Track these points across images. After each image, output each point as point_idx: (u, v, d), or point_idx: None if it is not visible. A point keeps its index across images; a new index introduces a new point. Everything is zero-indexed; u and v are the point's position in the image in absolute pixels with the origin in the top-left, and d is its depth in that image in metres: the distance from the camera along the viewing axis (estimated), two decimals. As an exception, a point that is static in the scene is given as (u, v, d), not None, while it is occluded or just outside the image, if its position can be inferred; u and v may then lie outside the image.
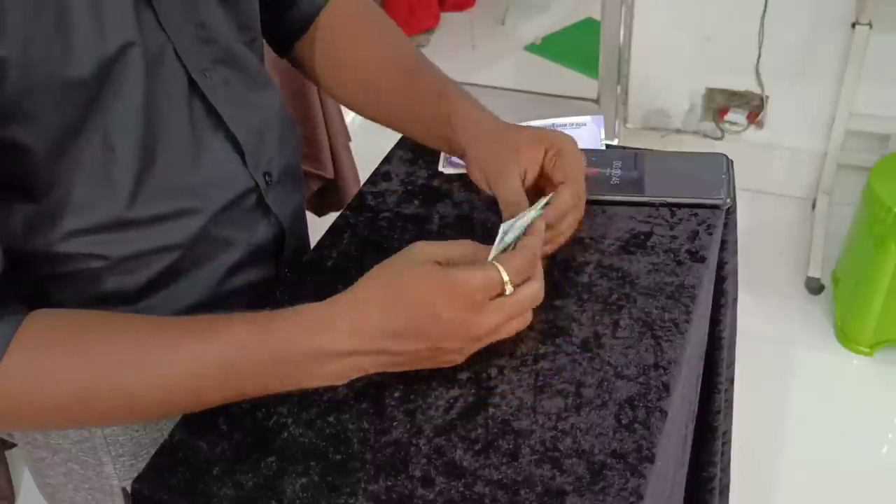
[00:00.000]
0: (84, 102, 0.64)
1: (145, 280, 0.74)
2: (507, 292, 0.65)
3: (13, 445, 1.67)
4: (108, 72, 0.64)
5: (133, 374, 0.63)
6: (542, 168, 0.77)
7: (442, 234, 0.86)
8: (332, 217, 0.91)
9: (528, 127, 0.80)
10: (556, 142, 0.77)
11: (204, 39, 0.73)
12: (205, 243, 0.76)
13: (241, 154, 0.77)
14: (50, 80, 0.61)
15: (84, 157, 0.66)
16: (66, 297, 0.72)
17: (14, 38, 0.58)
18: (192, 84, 0.72)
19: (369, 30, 0.91)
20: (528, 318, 0.69)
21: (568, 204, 0.76)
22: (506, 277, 0.65)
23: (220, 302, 0.79)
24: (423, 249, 0.67)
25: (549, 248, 0.77)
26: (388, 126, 0.90)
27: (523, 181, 0.76)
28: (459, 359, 0.68)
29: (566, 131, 0.93)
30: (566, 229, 0.77)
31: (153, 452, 0.81)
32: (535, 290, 0.67)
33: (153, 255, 0.73)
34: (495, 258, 0.66)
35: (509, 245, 0.70)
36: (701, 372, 0.96)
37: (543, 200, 0.74)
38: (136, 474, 0.81)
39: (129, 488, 0.82)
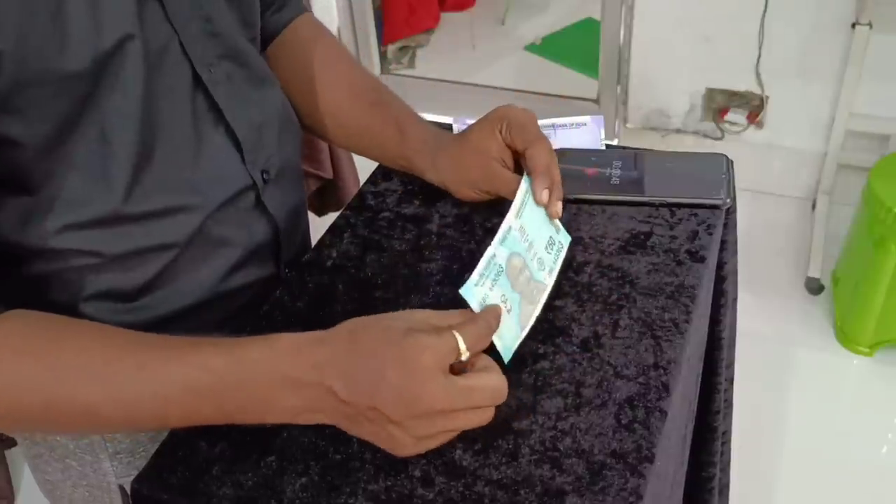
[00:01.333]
0: (80, 96, 0.64)
1: (143, 279, 0.74)
2: (463, 358, 0.61)
3: (13, 444, 1.67)
4: (106, 65, 0.64)
5: (96, 391, 0.62)
6: (508, 146, 0.80)
7: (442, 234, 0.86)
8: (332, 217, 0.90)
9: (480, 119, 0.83)
10: (500, 116, 0.80)
11: (210, 34, 0.73)
12: (202, 241, 0.76)
13: (241, 151, 0.77)
14: (45, 74, 0.61)
15: (79, 150, 0.66)
16: (65, 297, 0.72)
17: (9, 31, 0.58)
18: (196, 78, 0.72)
19: (331, 59, 0.92)
20: (488, 413, 0.63)
21: (544, 159, 0.76)
22: (462, 345, 0.61)
23: (219, 301, 0.79)
24: (412, 315, 0.63)
25: (558, 204, 0.76)
26: (351, 151, 0.94)
27: (509, 167, 0.80)
28: (406, 441, 0.61)
29: (566, 131, 0.93)
30: (557, 178, 0.77)
31: (151, 450, 0.81)
32: (493, 381, 0.62)
33: (150, 252, 0.73)
34: (455, 326, 0.62)
35: (541, 267, 0.73)
36: (700, 372, 0.96)
37: (523, 184, 0.76)
38: (133, 472, 0.81)
39: (126, 486, 0.82)
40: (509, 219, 0.72)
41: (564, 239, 0.78)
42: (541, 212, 0.76)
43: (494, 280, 0.68)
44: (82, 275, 0.72)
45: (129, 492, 0.83)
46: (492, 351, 0.66)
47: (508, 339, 0.69)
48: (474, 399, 0.61)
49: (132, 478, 0.82)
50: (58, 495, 0.88)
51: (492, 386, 0.62)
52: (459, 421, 0.61)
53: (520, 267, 0.71)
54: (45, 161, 0.66)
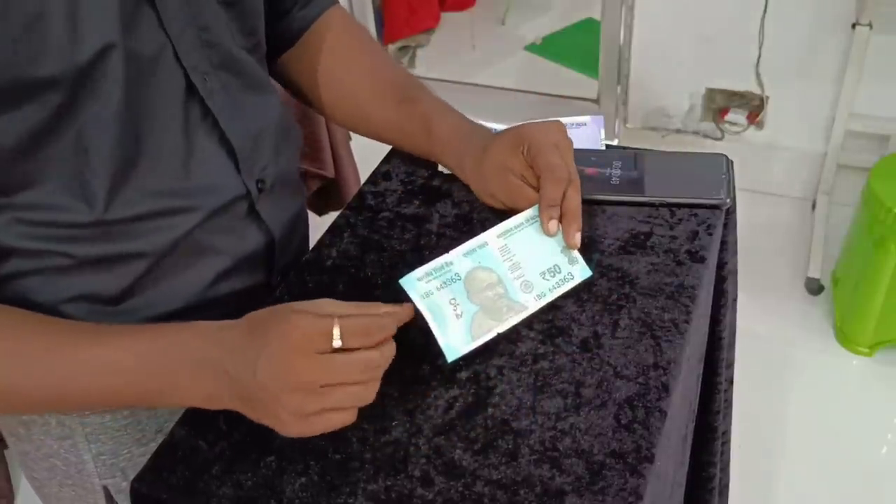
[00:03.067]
0: (57, 104, 0.63)
1: (126, 282, 0.73)
2: (335, 344, 0.61)
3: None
4: (84, 75, 0.63)
5: (22, 371, 0.65)
6: (530, 165, 0.80)
7: (442, 234, 0.86)
8: (332, 216, 0.90)
9: (504, 133, 0.82)
10: (524, 137, 0.80)
11: (206, 43, 0.72)
12: (189, 248, 0.75)
13: (235, 160, 0.76)
14: (18, 82, 0.60)
15: (55, 158, 0.65)
16: (45, 297, 0.72)
17: None
18: (190, 87, 0.71)
19: (359, 53, 0.92)
20: (368, 391, 0.63)
21: (551, 194, 0.76)
22: (336, 332, 0.61)
23: (207, 307, 0.79)
24: (315, 301, 0.65)
25: (576, 235, 0.76)
26: (382, 142, 0.94)
27: (532, 184, 0.80)
28: (285, 417, 0.61)
29: (566, 131, 0.93)
30: (572, 207, 0.77)
31: (135, 452, 0.82)
32: (364, 355, 0.62)
33: (131, 257, 0.73)
34: (339, 315, 0.62)
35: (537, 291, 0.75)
36: (700, 372, 0.96)
37: (531, 210, 0.78)
38: (118, 473, 0.82)
39: (110, 487, 0.82)
40: (488, 235, 0.76)
41: (579, 272, 0.77)
42: (549, 240, 0.77)
43: (445, 283, 0.72)
44: (60, 275, 0.71)
45: (110, 492, 0.84)
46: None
47: (454, 340, 0.71)
48: (344, 372, 0.61)
49: (116, 479, 0.82)
50: (46, 493, 0.89)
51: (362, 359, 0.62)
52: (335, 397, 0.61)
53: (488, 282, 0.74)
54: (20, 166, 0.65)
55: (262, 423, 0.64)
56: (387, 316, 0.65)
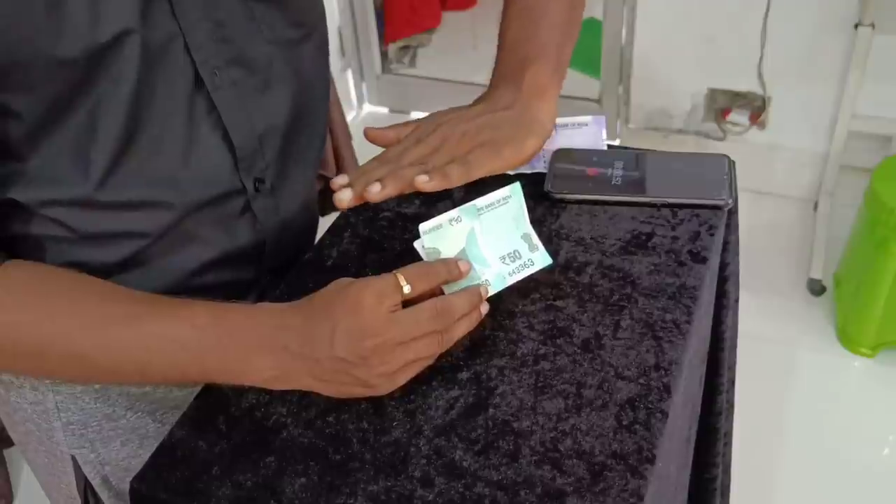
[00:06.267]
0: (74, 82, 0.64)
1: (115, 259, 0.75)
2: (406, 291, 0.66)
3: (13, 444, 1.67)
4: (101, 56, 0.64)
5: (89, 337, 0.65)
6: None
7: (443, 234, 0.85)
8: (332, 216, 0.90)
9: (467, 107, 0.79)
10: (443, 113, 0.79)
11: (220, 38, 0.72)
12: (177, 236, 0.76)
13: (235, 157, 0.76)
14: (38, 59, 0.61)
15: (67, 133, 0.67)
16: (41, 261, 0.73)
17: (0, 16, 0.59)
18: (199, 80, 0.71)
19: None
20: (449, 335, 0.68)
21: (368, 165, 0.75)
22: (402, 280, 0.66)
23: (191, 294, 0.78)
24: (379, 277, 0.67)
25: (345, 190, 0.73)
26: None
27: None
28: (375, 380, 0.65)
29: (568, 131, 0.93)
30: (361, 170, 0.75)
31: (105, 426, 0.83)
32: (434, 302, 0.66)
33: (122, 238, 0.74)
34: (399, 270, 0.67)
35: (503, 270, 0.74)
36: (702, 373, 0.96)
37: (498, 193, 0.75)
38: (86, 444, 0.83)
39: (78, 457, 0.83)
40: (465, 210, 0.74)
41: (540, 259, 0.76)
42: (512, 224, 0.75)
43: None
44: (56, 244, 0.73)
45: (78, 462, 0.85)
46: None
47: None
48: (421, 323, 0.66)
49: (84, 450, 0.84)
50: (28, 458, 0.90)
51: (435, 307, 0.66)
52: (418, 348, 0.66)
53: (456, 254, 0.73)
54: (34, 137, 0.67)
55: (342, 396, 0.67)
56: (437, 263, 0.70)
